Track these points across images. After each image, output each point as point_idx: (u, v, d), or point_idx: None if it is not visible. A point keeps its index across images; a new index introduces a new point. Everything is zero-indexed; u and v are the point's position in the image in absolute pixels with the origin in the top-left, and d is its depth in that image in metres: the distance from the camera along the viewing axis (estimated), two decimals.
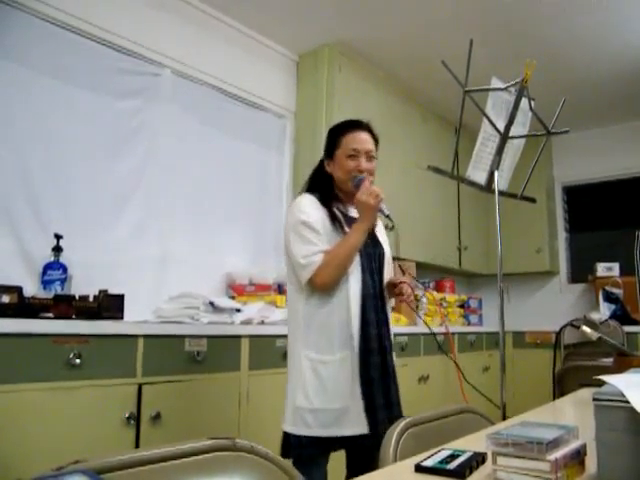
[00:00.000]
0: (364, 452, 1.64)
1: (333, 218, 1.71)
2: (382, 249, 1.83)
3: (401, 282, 1.80)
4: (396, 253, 3.45)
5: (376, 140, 1.81)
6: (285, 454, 1.62)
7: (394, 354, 1.80)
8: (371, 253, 1.76)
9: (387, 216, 1.72)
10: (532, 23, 3.25)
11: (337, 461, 1.74)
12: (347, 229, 1.70)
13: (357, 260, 1.69)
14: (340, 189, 1.79)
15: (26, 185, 2.28)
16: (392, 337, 1.80)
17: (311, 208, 1.70)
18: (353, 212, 1.82)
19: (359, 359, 1.64)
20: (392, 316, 1.92)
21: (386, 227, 1.97)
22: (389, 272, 1.87)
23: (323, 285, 1.63)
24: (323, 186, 1.79)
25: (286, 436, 1.65)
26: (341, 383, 1.62)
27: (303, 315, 1.67)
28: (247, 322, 2.46)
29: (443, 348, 2.27)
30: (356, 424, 1.61)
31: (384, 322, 1.75)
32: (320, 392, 1.61)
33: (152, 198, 2.75)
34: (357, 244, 1.66)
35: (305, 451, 1.60)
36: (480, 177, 2.44)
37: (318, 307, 1.66)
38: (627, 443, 0.66)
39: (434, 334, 2.61)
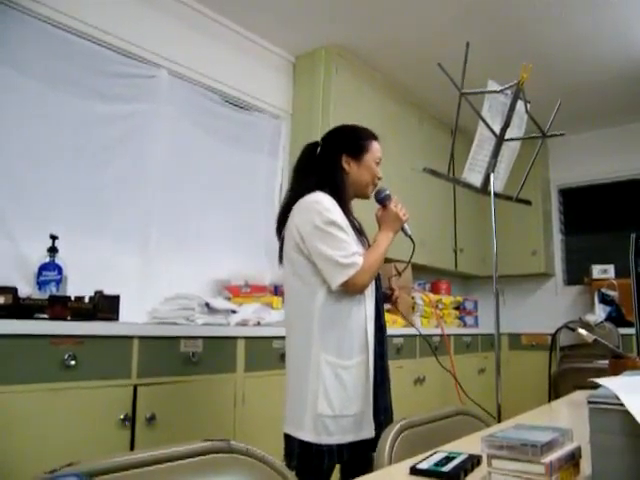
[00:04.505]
0: (361, 456, 1.63)
1: (352, 224, 1.72)
2: None
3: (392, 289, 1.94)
4: (393, 254, 3.46)
5: None
6: (304, 464, 1.56)
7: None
8: None
9: (409, 236, 1.82)
10: (528, 26, 3.26)
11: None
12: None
13: None
14: (356, 190, 1.78)
15: (20, 187, 2.27)
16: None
17: (335, 209, 1.65)
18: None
19: (373, 363, 1.64)
20: (389, 318, 1.94)
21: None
22: None
23: (360, 287, 1.63)
24: (340, 187, 1.74)
25: (304, 445, 1.57)
26: (359, 387, 1.61)
27: (320, 318, 1.62)
28: (243, 323, 2.46)
29: (436, 353, 2.27)
30: (368, 427, 1.60)
31: (384, 326, 1.78)
32: (342, 397, 1.59)
33: (147, 199, 2.74)
34: (385, 252, 1.72)
35: (327, 460, 1.56)
36: (476, 179, 2.45)
37: (338, 310, 1.63)
38: (621, 446, 0.67)
39: (429, 342, 2.62)
